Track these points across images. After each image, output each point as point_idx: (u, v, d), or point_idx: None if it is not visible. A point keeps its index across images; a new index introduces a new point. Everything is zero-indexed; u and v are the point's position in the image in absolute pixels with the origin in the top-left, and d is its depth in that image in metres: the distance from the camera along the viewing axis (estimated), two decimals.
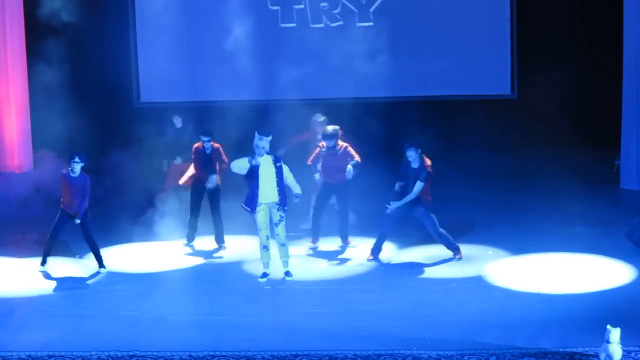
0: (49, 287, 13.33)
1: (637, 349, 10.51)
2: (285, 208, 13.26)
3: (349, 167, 14.20)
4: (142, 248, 14.86)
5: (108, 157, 17.81)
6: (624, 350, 10.14)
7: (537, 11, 19.25)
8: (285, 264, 13.38)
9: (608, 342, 10.05)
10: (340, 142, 14.38)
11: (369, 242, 14.20)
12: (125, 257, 14.51)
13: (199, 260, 14.40)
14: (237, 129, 16.90)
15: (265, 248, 13.28)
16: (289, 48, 18.75)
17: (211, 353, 10.85)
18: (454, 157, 17.89)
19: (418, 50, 19.64)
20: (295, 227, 15.32)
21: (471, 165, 18.12)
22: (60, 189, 13.69)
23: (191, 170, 14.85)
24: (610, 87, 18.16)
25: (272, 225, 13.26)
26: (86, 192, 13.50)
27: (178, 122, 16.72)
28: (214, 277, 13.62)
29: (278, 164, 13.15)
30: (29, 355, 10.94)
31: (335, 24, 19.58)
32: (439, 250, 14.12)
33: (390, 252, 14.38)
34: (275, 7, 19.69)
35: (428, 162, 13.59)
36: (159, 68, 19.50)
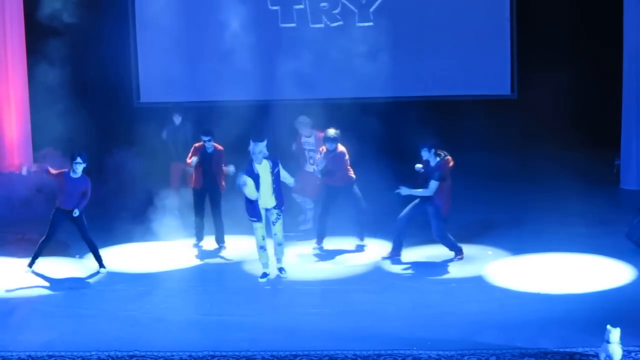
0: (49, 287, 13.33)
1: (637, 349, 10.51)
2: (282, 208, 13.29)
3: (318, 155, 14.26)
4: (142, 248, 14.86)
5: (108, 157, 17.82)
6: (624, 350, 10.14)
7: (537, 11, 19.25)
8: (279, 260, 13.40)
9: (608, 342, 10.05)
10: (339, 146, 14.40)
11: (374, 241, 14.18)
12: (125, 257, 14.52)
13: (199, 260, 14.40)
14: (237, 129, 16.90)
15: (262, 248, 13.29)
16: (289, 48, 18.74)
17: (211, 353, 10.85)
18: (454, 157, 17.72)
19: (418, 50, 19.64)
20: (296, 227, 15.34)
21: (471, 165, 18.07)
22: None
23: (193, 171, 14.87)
24: (610, 87, 18.16)
25: (269, 224, 13.27)
26: (87, 194, 13.49)
27: (177, 119, 16.73)
28: (214, 277, 13.62)
29: (276, 170, 13.17)
30: (29, 355, 10.94)
31: (335, 24, 19.58)
32: (439, 250, 14.12)
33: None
34: (275, 7, 19.69)
35: (449, 162, 13.62)
36: (159, 68, 19.52)
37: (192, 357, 10.81)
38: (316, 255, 14.38)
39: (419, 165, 13.90)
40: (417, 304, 12.24)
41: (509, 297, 12.41)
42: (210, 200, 14.78)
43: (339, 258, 14.29)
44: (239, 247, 14.66)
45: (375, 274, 13.59)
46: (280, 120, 15.73)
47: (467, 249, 14.04)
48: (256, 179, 13.04)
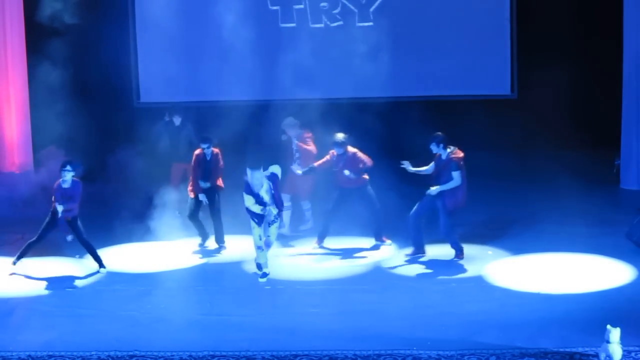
0: (49, 287, 13.33)
1: (637, 349, 10.51)
2: (281, 210, 13.32)
3: (346, 171, 14.25)
4: (142, 248, 14.86)
5: (108, 157, 17.81)
6: (624, 350, 10.14)
7: (537, 11, 19.25)
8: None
9: (608, 342, 10.05)
10: (349, 148, 14.41)
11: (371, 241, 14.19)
12: (125, 257, 14.52)
13: (199, 260, 14.41)
14: (237, 129, 16.93)
15: (260, 249, 13.30)
16: (289, 48, 18.73)
17: (211, 353, 10.85)
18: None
19: (418, 50, 19.64)
20: (296, 227, 15.35)
21: (471, 165, 18.01)
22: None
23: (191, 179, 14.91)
24: (611, 87, 18.16)
25: (265, 225, 13.29)
26: (75, 197, 13.49)
27: (177, 120, 16.72)
28: (214, 277, 13.63)
29: (271, 176, 13.24)
30: (29, 355, 10.94)
31: (335, 24, 19.57)
32: (439, 250, 14.14)
33: (390, 252, 14.40)
34: (275, 7, 19.69)
35: (459, 154, 13.70)
36: (159, 68, 19.51)
37: (192, 357, 10.81)
38: (316, 255, 14.38)
39: (405, 163, 13.92)
40: (417, 304, 12.24)
41: (509, 297, 12.41)
42: (209, 202, 14.79)
43: (339, 258, 14.29)
44: (239, 247, 14.66)
45: (375, 274, 13.59)
46: (280, 120, 15.70)
47: (467, 249, 14.04)
48: (257, 196, 13.09)
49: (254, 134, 17.56)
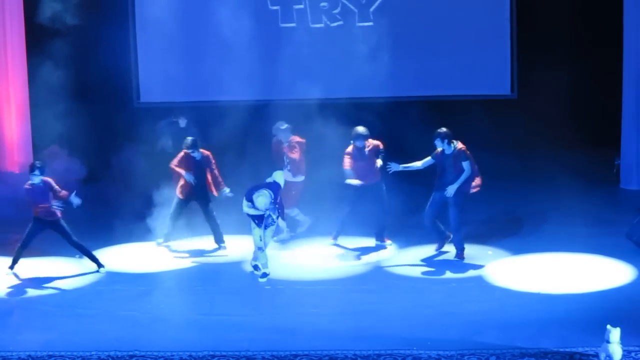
0: (49, 287, 13.33)
1: (637, 349, 10.51)
2: (282, 217, 13.46)
3: (379, 161, 14.18)
4: (142, 248, 14.86)
5: (108, 157, 17.80)
6: (624, 350, 10.14)
7: (537, 11, 19.23)
8: (256, 259, 13.46)
9: (608, 342, 10.05)
10: (369, 142, 14.37)
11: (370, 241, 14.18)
12: (125, 257, 14.52)
13: (199, 260, 14.40)
14: (237, 129, 16.93)
15: (260, 249, 13.31)
16: (289, 48, 18.73)
17: (211, 353, 10.85)
18: None
19: (418, 50, 19.62)
20: (293, 230, 15.33)
21: None
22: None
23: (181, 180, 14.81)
24: (610, 87, 18.15)
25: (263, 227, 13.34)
26: (46, 196, 13.51)
27: (183, 122, 16.69)
28: (214, 277, 13.63)
29: (274, 185, 13.28)
30: (29, 355, 10.94)
31: (335, 24, 19.56)
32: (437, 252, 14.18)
33: (390, 252, 14.39)
34: (275, 7, 19.67)
35: (463, 146, 13.81)
36: (159, 68, 19.50)
37: (192, 357, 10.81)
38: (316, 255, 14.38)
39: (392, 165, 13.96)
40: (417, 304, 12.24)
41: (509, 297, 12.42)
42: (201, 207, 14.77)
43: (339, 258, 14.28)
44: (239, 247, 14.65)
45: (375, 274, 13.59)
46: (280, 120, 15.68)
47: (467, 249, 14.04)
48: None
49: (254, 134, 17.55)
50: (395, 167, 14.01)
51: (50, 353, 10.96)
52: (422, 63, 19.63)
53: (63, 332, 11.63)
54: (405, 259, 14.04)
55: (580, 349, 10.59)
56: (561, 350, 10.60)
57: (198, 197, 14.78)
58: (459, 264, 13.74)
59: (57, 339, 11.38)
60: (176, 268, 14.07)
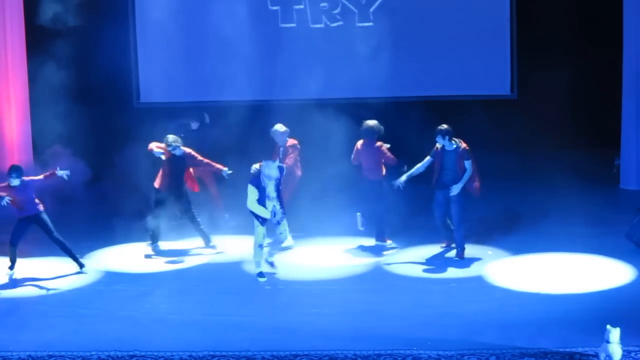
0: (49, 287, 13.33)
1: (637, 349, 10.51)
2: (282, 207, 13.38)
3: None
4: (142, 248, 14.85)
5: (107, 157, 17.80)
6: (624, 350, 10.14)
7: (537, 11, 19.23)
8: (272, 255, 13.56)
9: (608, 342, 10.05)
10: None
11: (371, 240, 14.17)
12: (125, 257, 14.52)
13: (199, 260, 14.40)
14: (237, 129, 16.92)
15: (261, 247, 13.31)
16: (289, 48, 18.73)
17: (211, 353, 10.86)
18: None
19: (418, 50, 19.63)
20: (295, 228, 15.34)
21: None
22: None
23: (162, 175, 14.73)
24: (610, 87, 18.15)
25: (275, 225, 13.31)
26: (29, 195, 13.54)
27: (195, 125, 16.60)
28: (214, 277, 13.63)
29: (280, 178, 13.27)
30: (29, 355, 10.95)
31: (335, 24, 19.56)
32: (439, 250, 14.15)
33: (390, 252, 14.39)
34: (275, 7, 19.67)
35: (463, 144, 13.82)
36: (159, 68, 19.51)
37: (192, 357, 10.81)
38: (316, 255, 14.38)
39: (397, 182, 13.97)
40: (417, 304, 12.24)
41: (509, 297, 12.42)
42: (180, 206, 14.66)
43: (339, 258, 14.29)
44: (239, 247, 14.65)
45: (375, 274, 13.60)
46: (280, 120, 15.67)
47: (467, 248, 14.03)
48: (263, 190, 13.09)
49: (254, 134, 17.55)
50: (400, 183, 13.96)
51: (50, 353, 10.97)
52: (422, 63, 19.64)
53: (63, 332, 11.63)
54: (405, 259, 14.04)
55: (580, 349, 10.59)
56: (561, 350, 10.60)
57: (175, 193, 14.61)
58: (459, 263, 13.74)
59: (57, 339, 11.38)
60: (176, 268, 14.08)
